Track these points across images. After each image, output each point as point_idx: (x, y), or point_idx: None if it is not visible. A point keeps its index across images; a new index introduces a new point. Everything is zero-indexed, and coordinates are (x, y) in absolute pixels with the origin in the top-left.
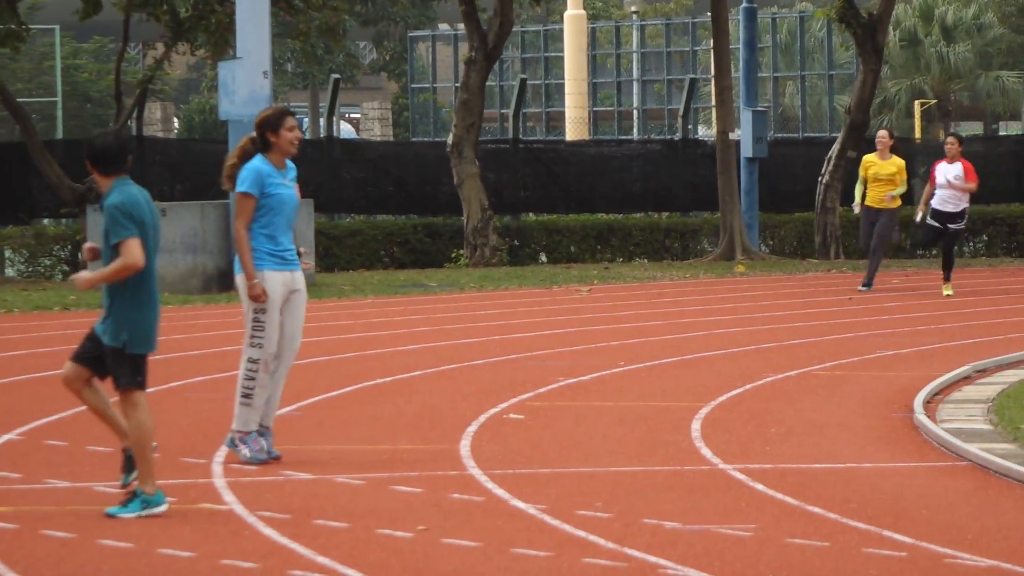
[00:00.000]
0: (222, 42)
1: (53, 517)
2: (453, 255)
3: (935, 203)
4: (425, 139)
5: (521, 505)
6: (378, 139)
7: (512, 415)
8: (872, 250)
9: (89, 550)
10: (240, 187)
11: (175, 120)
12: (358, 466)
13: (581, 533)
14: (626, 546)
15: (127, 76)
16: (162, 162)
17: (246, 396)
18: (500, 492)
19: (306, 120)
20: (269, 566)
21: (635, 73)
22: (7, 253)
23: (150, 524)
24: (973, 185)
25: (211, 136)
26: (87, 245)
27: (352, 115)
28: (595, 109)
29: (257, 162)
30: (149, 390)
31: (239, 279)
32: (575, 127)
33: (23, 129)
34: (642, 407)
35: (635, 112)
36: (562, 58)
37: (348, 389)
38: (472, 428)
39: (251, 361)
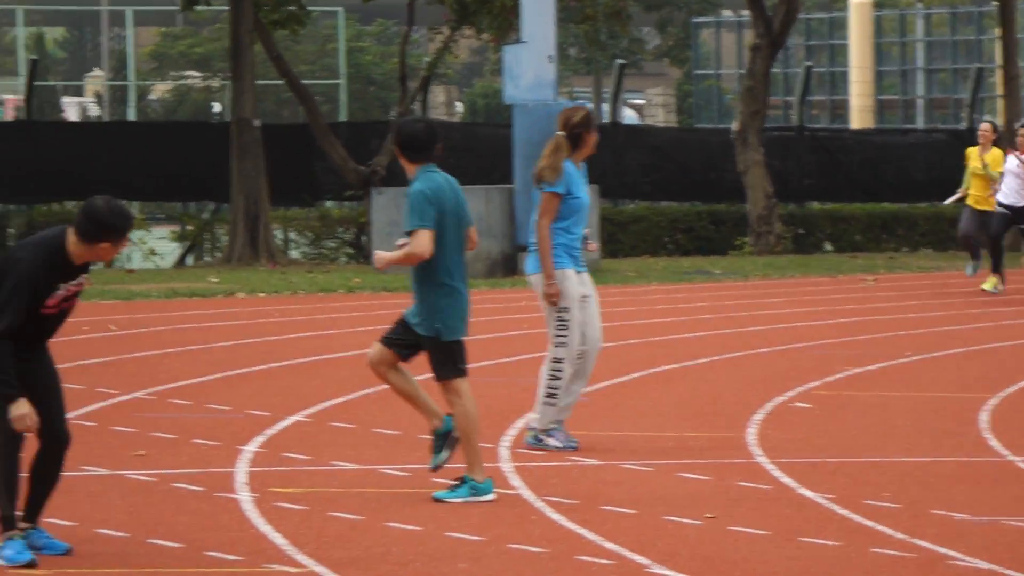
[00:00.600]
0: (506, 26)
1: (340, 499)
2: (737, 242)
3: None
4: (709, 126)
5: (809, 494)
6: (661, 125)
7: (798, 404)
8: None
9: (377, 532)
10: (554, 187)
11: (458, 104)
12: (645, 453)
13: (869, 523)
14: (915, 537)
15: (411, 59)
16: (446, 146)
17: (551, 396)
18: (787, 480)
19: (589, 106)
20: (557, 551)
21: (920, 62)
22: (292, 235)
23: (439, 508)
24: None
25: (494, 120)
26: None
27: (635, 101)
28: (880, 98)
29: (567, 164)
30: (429, 375)
31: (535, 279)
32: (860, 115)
33: (308, 111)
34: (929, 398)
35: (920, 101)
36: (847, 46)
37: (634, 376)
38: (758, 416)
39: (556, 361)
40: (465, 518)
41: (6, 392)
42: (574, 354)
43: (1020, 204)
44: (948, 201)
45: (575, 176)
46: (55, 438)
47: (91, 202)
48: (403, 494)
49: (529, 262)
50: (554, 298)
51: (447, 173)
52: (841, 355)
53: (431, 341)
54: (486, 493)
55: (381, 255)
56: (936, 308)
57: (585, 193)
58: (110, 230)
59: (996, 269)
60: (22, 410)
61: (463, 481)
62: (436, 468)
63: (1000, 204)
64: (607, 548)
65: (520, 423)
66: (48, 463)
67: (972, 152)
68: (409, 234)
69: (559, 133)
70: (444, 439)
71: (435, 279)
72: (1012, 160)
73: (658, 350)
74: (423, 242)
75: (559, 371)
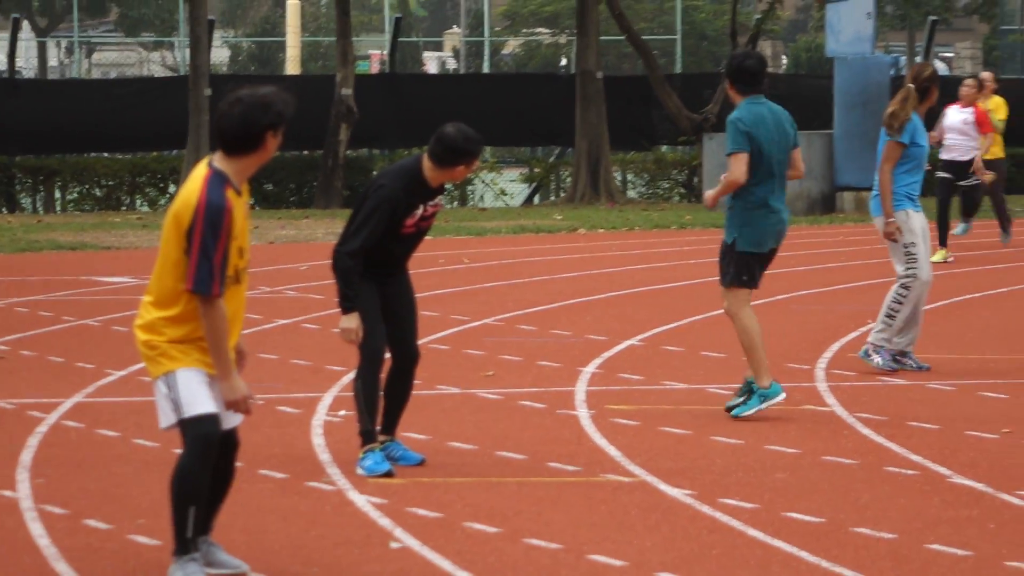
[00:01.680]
0: None
1: (670, 415)
2: None
3: None
4: (1013, 76)
5: None
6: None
7: None
8: None
9: (703, 445)
10: (901, 136)
11: (783, 57)
12: (949, 374)
13: None
14: None
15: (741, 16)
16: (772, 95)
17: (890, 316)
18: None
19: (903, 59)
20: (867, 463)
21: None
22: (629, 177)
23: (759, 423)
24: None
25: (816, 72)
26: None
27: (945, 54)
28: None
29: (914, 115)
30: (757, 302)
31: (879, 220)
32: None
33: (646, 64)
34: None
35: None
36: None
37: (941, 303)
38: None
39: (903, 287)
40: (784, 433)
41: (344, 305)
42: (922, 283)
43: (965, 158)
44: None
45: (919, 126)
46: (407, 356)
47: (443, 130)
48: None
49: (873, 205)
50: (892, 236)
51: (771, 110)
52: None
53: (726, 247)
54: (776, 395)
55: (708, 194)
56: None
57: (927, 142)
58: (463, 154)
59: (943, 241)
60: (351, 324)
61: (751, 392)
62: (730, 409)
63: (944, 163)
64: (912, 460)
65: (836, 347)
66: (400, 379)
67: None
68: (729, 157)
69: (909, 85)
70: (752, 394)
71: (751, 199)
72: (956, 114)
73: (960, 281)
74: (739, 166)
75: (903, 296)
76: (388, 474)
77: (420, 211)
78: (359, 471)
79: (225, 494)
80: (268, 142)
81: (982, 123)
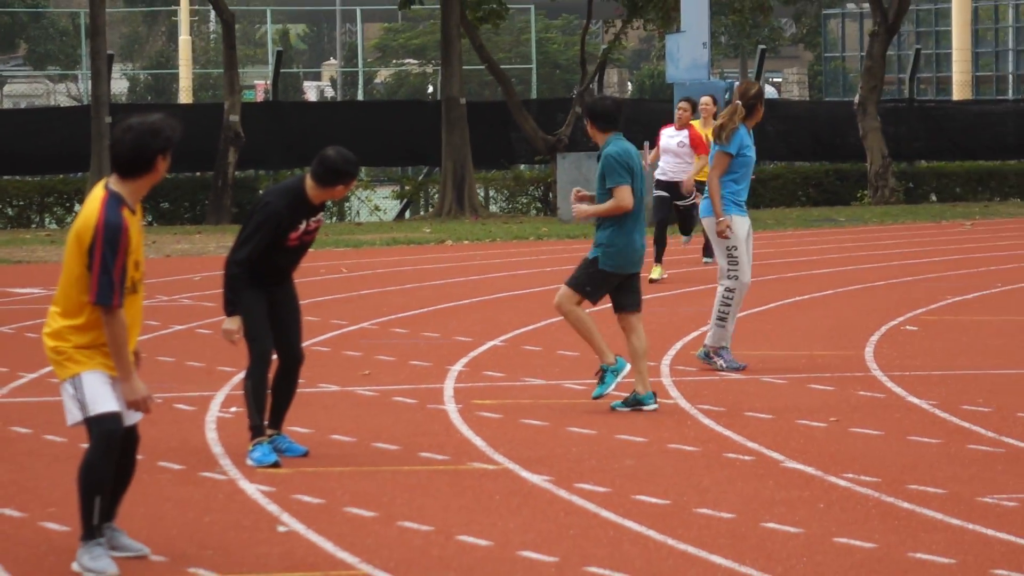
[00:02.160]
0: (668, 18)
1: (530, 409)
2: (858, 195)
3: None
4: (835, 99)
5: (916, 401)
6: (796, 99)
7: (908, 327)
8: None
9: (560, 435)
10: (728, 147)
11: (628, 83)
12: (780, 369)
13: (966, 424)
14: (1004, 435)
15: (590, 47)
16: None
17: (721, 318)
18: (898, 390)
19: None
20: (708, 450)
21: (1011, 44)
22: (491, 193)
23: (610, 415)
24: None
25: (659, 96)
26: (576, 190)
27: (774, 79)
28: (977, 74)
29: (741, 128)
30: (607, 306)
31: (708, 221)
32: (960, 89)
33: (505, 91)
34: (1018, 320)
35: (1010, 76)
36: (950, 32)
37: (772, 305)
38: (874, 337)
39: (728, 290)
40: (632, 423)
41: (227, 308)
42: (743, 285)
43: (680, 179)
44: None
45: (746, 139)
46: (292, 357)
47: (325, 153)
48: (582, 404)
49: (703, 207)
50: (724, 233)
51: (633, 147)
52: (943, 287)
53: (588, 261)
54: (623, 368)
55: (582, 209)
56: (1022, 248)
57: (753, 152)
58: (342, 175)
59: (659, 259)
60: (233, 326)
61: (604, 372)
62: (597, 397)
63: (658, 184)
64: (749, 447)
65: (679, 345)
66: (286, 378)
67: None
68: (611, 191)
69: (736, 101)
70: (614, 374)
71: (624, 225)
72: (670, 136)
73: (791, 285)
74: (626, 195)
75: (729, 298)
76: (275, 464)
77: (303, 226)
78: (249, 462)
79: (127, 484)
80: (158, 165)
81: (697, 145)
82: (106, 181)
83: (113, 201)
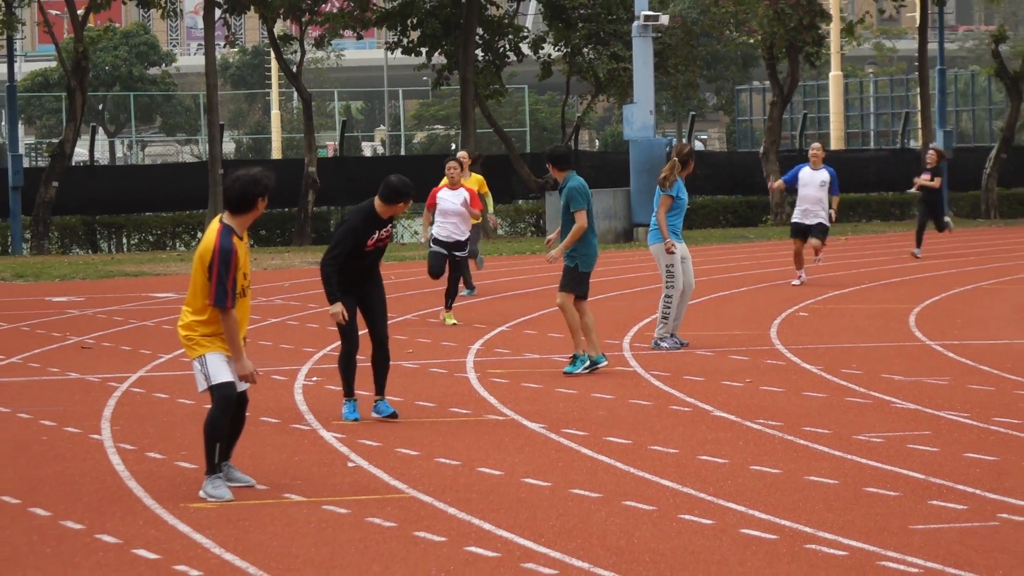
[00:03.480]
0: (624, 93)
1: (529, 375)
2: (763, 219)
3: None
4: (746, 150)
5: (808, 366)
6: (717, 151)
7: (801, 313)
8: None
9: (550, 394)
10: (670, 191)
11: (596, 141)
12: (710, 344)
13: (844, 383)
14: (871, 390)
15: (568, 114)
16: (591, 165)
17: (664, 317)
18: (794, 359)
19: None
20: (658, 404)
21: (872, 108)
22: (498, 220)
23: (588, 379)
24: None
25: (618, 150)
26: (548, 241)
27: (701, 136)
28: (848, 131)
29: (679, 177)
30: (588, 299)
31: (655, 247)
32: (836, 141)
33: (507, 146)
34: (881, 308)
35: (872, 132)
36: (828, 100)
37: (704, 299)
38: (777, 321)
39: (667, 298)
40: (603, 384)
41: (330, 298)
42: (678, 292)
43: (462, 238)
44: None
45: (681, 185)
46: (379, 337)
47: (388, 179)
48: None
49: (650, 237)
50: (671, 251)
51: (584, 181)
52: (826, 284)
53: (571, 269)
54: (590, 363)
55: (553, 254)
56: (882, 259)
57: (685, 196)
58: (402, 194)
59: (448, 306)
60: (336, 309)
61: (575, 359)
62: (568, 374)
63: (435, 241)
64: (687, 400)
65: (635, 329)
66: (378, 353)
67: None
68: (574, 214)
69: (674, 158)
70: (582, 362)
71: (586, 238)
72: (449, 197)
73: (716, 284)
74: (585, 218)
75: (668, 303)
76: (356, 420)
77: (376, 235)
78: (342, 420)
79: (239, 434)
80: (259, 204)
81: (474, 201)
82: (221, 216)
83: (226, 231)
